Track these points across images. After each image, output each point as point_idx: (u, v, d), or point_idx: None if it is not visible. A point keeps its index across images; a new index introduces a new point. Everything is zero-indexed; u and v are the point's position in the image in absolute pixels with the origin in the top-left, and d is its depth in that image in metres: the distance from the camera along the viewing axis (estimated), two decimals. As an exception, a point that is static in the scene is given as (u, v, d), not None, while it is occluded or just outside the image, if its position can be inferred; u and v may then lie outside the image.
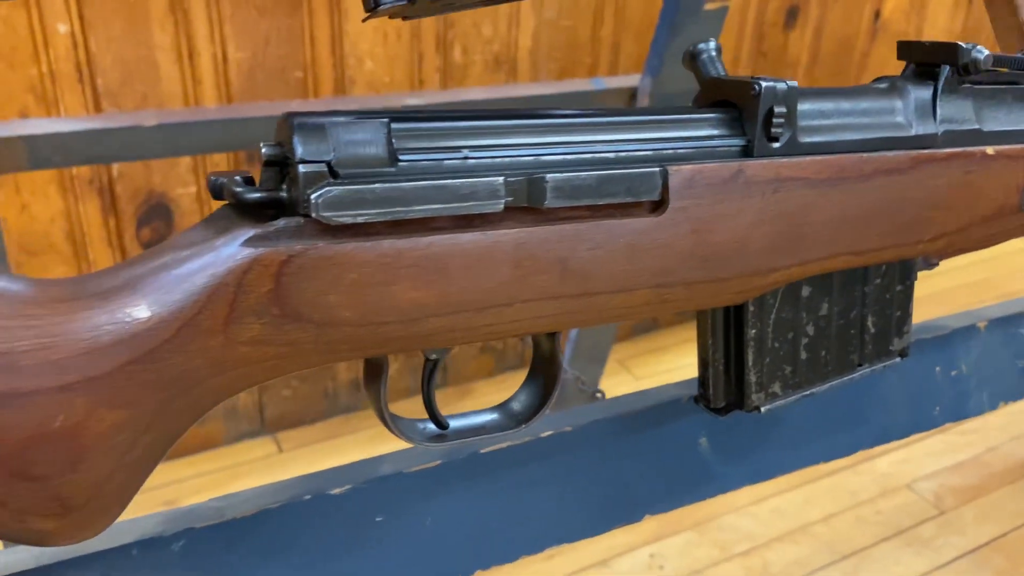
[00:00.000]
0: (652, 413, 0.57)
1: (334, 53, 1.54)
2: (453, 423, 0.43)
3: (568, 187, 0.38)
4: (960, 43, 0.48)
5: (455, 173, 0.37)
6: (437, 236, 0.36)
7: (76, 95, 1.36)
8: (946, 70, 0.49)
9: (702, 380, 0.50)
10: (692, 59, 0.48)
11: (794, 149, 0.45)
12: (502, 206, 0.37)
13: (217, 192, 0.35)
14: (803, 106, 0.46)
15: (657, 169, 0.41)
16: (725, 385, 0.50)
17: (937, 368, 0.68)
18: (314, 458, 1.94)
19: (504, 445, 0.51)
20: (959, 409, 0.69)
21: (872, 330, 0.53)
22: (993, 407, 0.71)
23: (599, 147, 0.41)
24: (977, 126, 0.50)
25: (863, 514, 1.75)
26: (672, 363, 2.31)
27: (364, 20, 0.37)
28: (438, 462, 0.50)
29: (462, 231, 0.37)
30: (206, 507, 0.45)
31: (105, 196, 1.52)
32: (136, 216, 1.56)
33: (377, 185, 0.34)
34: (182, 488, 1.72)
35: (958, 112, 0.50)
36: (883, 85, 0.50)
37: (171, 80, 1.41)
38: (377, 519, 0.48)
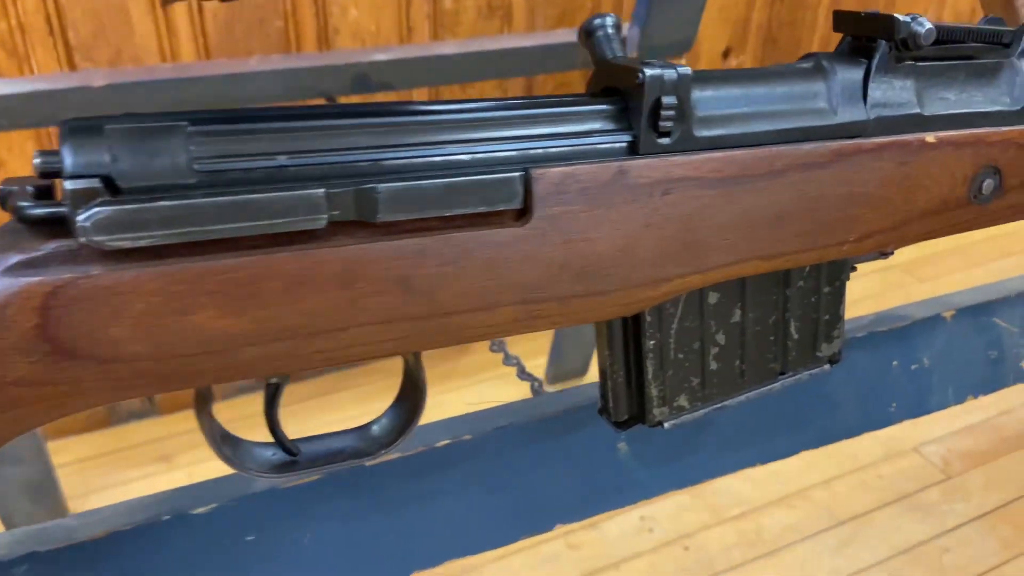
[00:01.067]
0: (564, 418, 0.53)
1: (316, 1, 1.48)
2: (306, 448, 0.40)
3: (406, 198, 0.34)
4: (898, 15, 0.42)
5: (268, 184, 0.32)
6: (247, 257, 0.32)
7: (48, 50, 1.33)
8: (882, 46, 0.43)
9: (602, 392, 0.46)
10: (587, 36, 0.43)
11: (689, 144, 0.39)
12: (325, 222, 0.33)
13: (2, 203, 0.31)
14: (701, 93, 0.40)
15: (517, 174, 0.36)
16: (626, 398, 0.46)
17: (895, 362, 0.63)
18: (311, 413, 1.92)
19: (394, 456, 0.48)
20: (919, 405, 0.64)
21: (796, 336, 0.48)
22: (960, 401, 0.66)
23: (451, 148, 0.36)
24: (918, 110, 0.44)
25: (866, 478, 1.70)
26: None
27: None
28: (317, 476, 0.46)
29: (278, 250, 0.33)
30: (53, 528, 0.42)
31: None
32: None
33: (164, 203, 0.30)
34: (179, 443, 1.73)
35: (895, 94, 0.44)
36: (806, 64, 0.44)
37: (145, 33, 1.37)
38: (248, 539, 0.45)
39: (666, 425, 0.46)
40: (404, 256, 0.35)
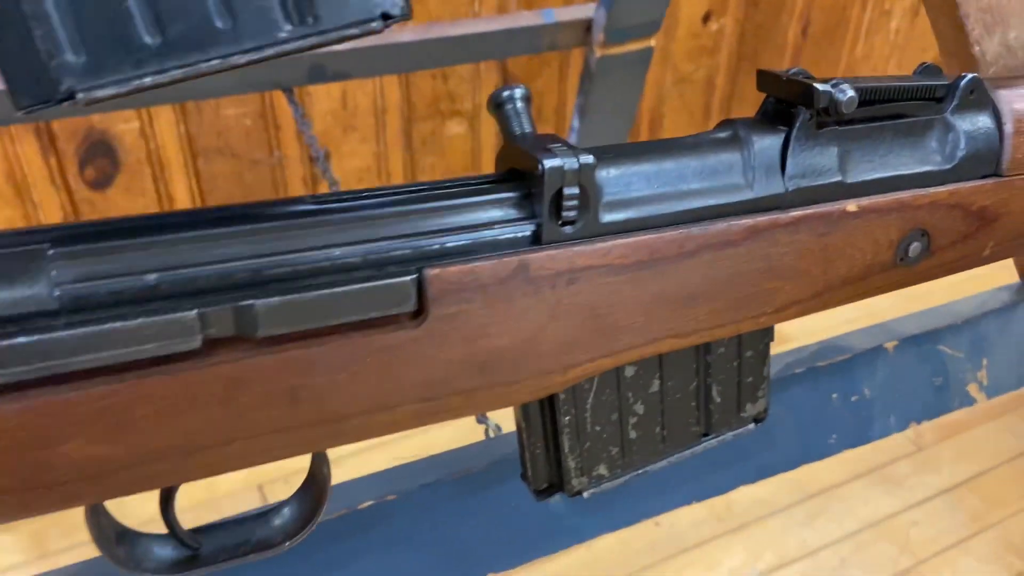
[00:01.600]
0: (493, 470, 0.52)
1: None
2: (208, 541, 0.39)
3: (288, 311, 0.33)
4: (817, 85, 0.40)
5: (137, 306, 0.31)
6: (117, 384, 0.31)
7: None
8: (802, 114, 0.42)
9: (522, 461, 0.45)
10: (495, 108, 0.41)
11: (595, 230, 0.38)
12: (199, 343, 0.31)
13: None
14: (608, 176, 0.39)
15: (409, 278, 0.35)
16: (545, 468, 0.45)
17: (834, 395, 0.62)
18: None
19: (314, 520, 0.48)
20: (860, 435, 0.64)
21: (718, 400, 0.47)
22: (902, 429, 0.66)
23: (339, 251, 0.34)
24: (839, 178, 0.43)
25: (836, 451, 1.71)
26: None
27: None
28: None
29: (151, 373, 0.32)
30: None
31: (43, 136, 1.46)
32: (78, 155, 1.50)
33: (20, 339, 0.29)
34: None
35: (816, 162, 0.42)
36: (723, 134, 0.42)
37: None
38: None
39: (585, 495, 0.45)
40: (290, 369, 0.34)
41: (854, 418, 0.63)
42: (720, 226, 0.40)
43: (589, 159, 0.37)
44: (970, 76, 0.45)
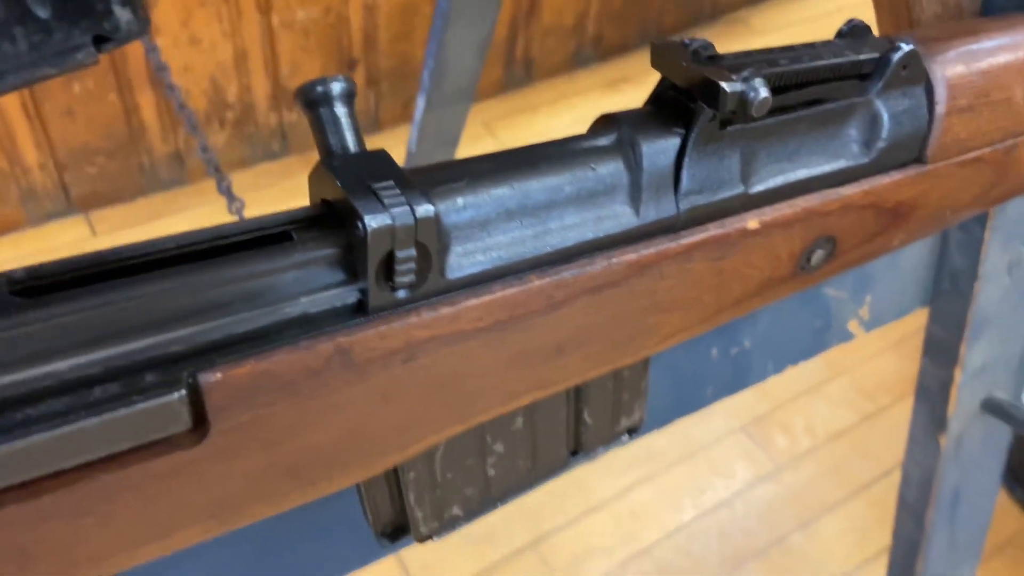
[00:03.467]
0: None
1: None
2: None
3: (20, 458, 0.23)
4: (724, 84, 0.31)
5: None
6: None
7: None
8: (704, 115, 0.33)
9: (362, 507, 0.39)
10: (308, 109, 0.30)
11: (439, 288, 0.29)
12: None
13: None
14: (457, 213, 0.30)
15: (176, 395, 0.25)
16: (390, 515, 0.39)
17: (714, 351, 0.58)
18: (132, 239, 1.76)
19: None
20: (735, 383, 0.61)
21: (590, 422, 0.41)
22: (778, 371, 0.63)
23: (68, 362, 0.25)
24: (741, 189, 0.35)
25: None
26: (544, 124, 2.14)
27: None
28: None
29: None
30: None
31: None
32: None
33: None
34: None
35: (715, 173, 0.34)
36: (604, 140, 0.33)
37: None
38: None
39: (435, 538, 0.39)
40: (15, 526, 0.25)
41: (732, 369, 0.59)
42: (598, 267, 0.32)
43: (429, 211, 0.27)
44: (905, 50, 0.37)
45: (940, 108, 0.39)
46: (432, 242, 0.28)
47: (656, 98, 0.35)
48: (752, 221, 0.35)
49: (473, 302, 0.30)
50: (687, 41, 0.34)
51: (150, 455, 0.26)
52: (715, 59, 0.34)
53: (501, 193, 0.31)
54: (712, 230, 0.34)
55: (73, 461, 0.25)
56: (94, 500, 0.26)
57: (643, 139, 0.33)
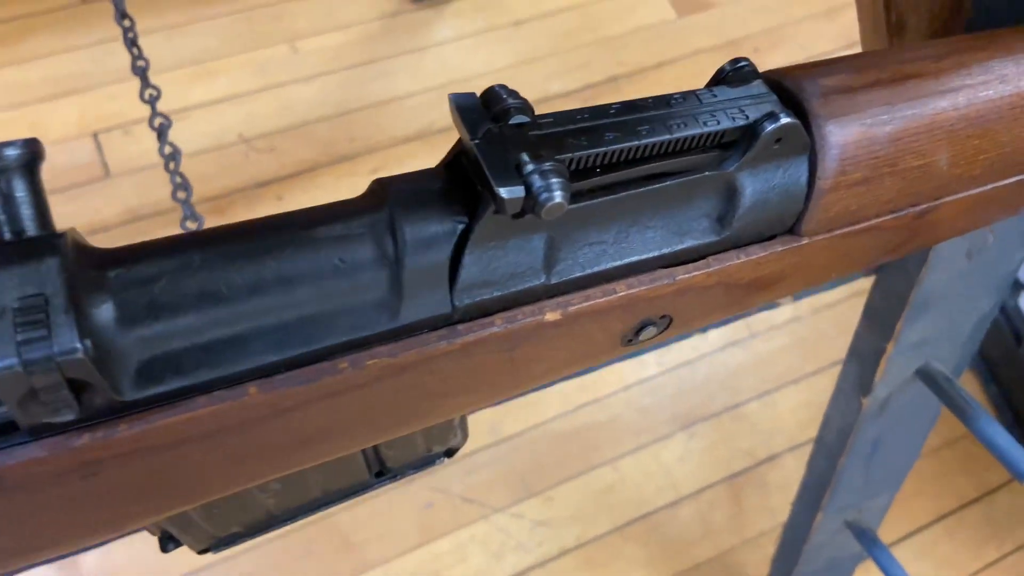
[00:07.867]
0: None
1: None
2: None
3: None
4: (501, 189, 0.25)
5: None
6: None
7: None
8: (489, 207, 0.27)
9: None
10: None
11: (115, 408, 0.25)
12: None
13: None
14: (146, 331, 0.25)
15: None
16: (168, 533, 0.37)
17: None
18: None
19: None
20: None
21: (391, 452, 0.38)
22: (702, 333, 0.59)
23: None
24: (542, 279, 0.29)
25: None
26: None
27: None
28: None
29: None
30: None
31: None
32: None
33: None
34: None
35: (510, 262, 0.29)
36: (360, 226, 0.27)
37: None
38: None
39: (213, 552, 0.38)
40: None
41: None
42: (339, 376, 0.28)
43: (74, 349, 0.23)
44: (781, 123, 0.29)
45: (824, 183, 0.32)
46: (89, 375, 0.24)
47: (450, 163, 0.29)
48: (552, 313, 0.30)
49: (168, 420, 0.26)
50: (500, 92, 0.27)
51: None
52: (522, 128, 0.27)
53: (211, 293, 0.26)
54: (499, 325, 0.29)
55: None
56: None
57: (410, 227, 0.27)
